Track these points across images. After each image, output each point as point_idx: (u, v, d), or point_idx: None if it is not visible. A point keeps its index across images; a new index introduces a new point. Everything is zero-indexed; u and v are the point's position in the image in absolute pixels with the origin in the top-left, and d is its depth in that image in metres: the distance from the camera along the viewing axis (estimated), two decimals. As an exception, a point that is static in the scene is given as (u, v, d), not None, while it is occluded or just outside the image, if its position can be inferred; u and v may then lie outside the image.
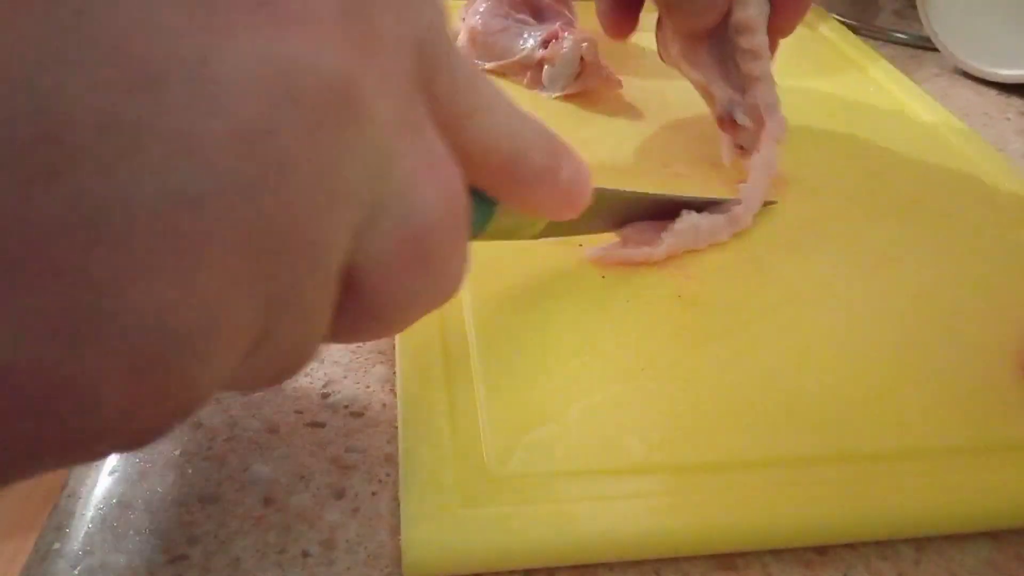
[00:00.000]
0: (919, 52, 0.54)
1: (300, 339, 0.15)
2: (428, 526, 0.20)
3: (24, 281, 0.10)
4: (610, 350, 0.26)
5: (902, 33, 0.55)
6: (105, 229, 0.11)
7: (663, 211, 0.31)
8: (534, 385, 0.24)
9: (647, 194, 0.31)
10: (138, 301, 0.11)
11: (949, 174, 0.36)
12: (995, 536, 0.22)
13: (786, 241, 0.32)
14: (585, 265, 0.29)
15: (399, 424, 0.23)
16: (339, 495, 0.22)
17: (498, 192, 0.20)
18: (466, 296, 0.27)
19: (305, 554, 0.21)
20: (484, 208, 0.21)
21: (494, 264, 0.28)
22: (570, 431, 0.23)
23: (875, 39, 0.56)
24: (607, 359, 0.26)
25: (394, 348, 0.27)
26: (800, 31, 0.36)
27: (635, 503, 0.21)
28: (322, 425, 0.24)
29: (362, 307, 0.16)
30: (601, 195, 0.26)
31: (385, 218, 0.15)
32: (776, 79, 0.33)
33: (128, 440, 0.13)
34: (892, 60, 0.52)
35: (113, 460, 0.23)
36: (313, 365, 0.26)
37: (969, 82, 0.50)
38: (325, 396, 0.25)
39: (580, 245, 0.30)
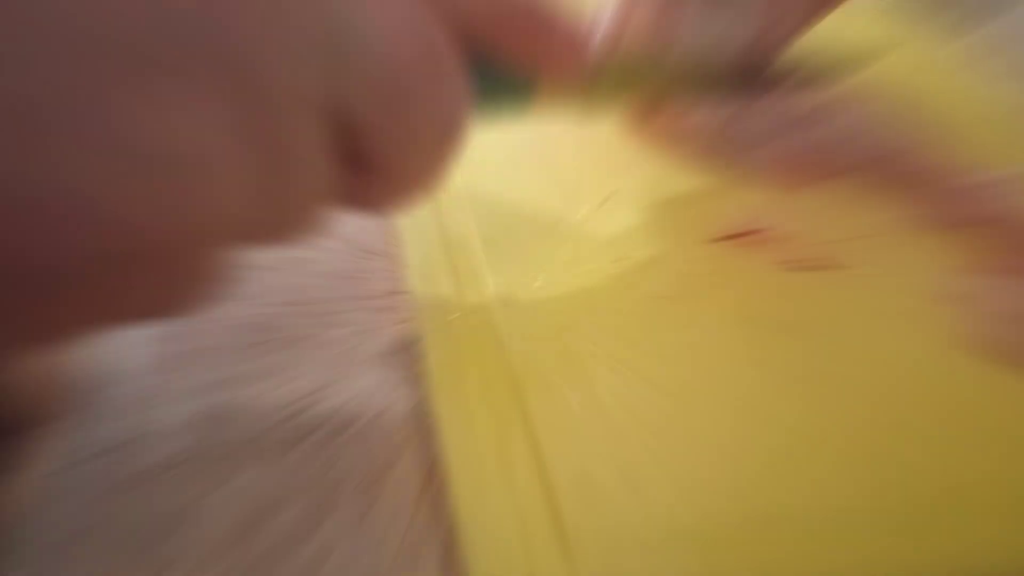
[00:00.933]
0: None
1: (302, 188, 0.16)
2: None
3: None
4: (673, 386, 0.23)
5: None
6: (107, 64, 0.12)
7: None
8: (594, 434, 0.22)
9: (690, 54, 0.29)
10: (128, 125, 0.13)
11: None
12: None
13: (857, 251, 0.29)
14: (636, 284, 0.26)
15: (451, 492, 0.21)
16: (325, 516, 0.20)
17: (491, 40, 0.20)
18: (504, 328, 0.24)
19: (298, 573, 0.19)
20: (521, 86, 0.22)
21: (531, 287, 0.26)
22: (645, 487, 0.21)
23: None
24: (670, 395, 0.23)
25: (388, 355, 0.25)
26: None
27: (735, 560, 0.19)
28: (305, 439, 0.22)
29: (367, 160, 0.17)
30: (628, 59, 0.27)
31: (353, 58, 0.15)
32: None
33: (163, 282, 0.15)
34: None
35: (78, 475, 0.21)
36: (295, 372, 0.24)
37: None
38: (311, 404, 0.23)
39: (619, 260, 0.27)
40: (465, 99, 0.18)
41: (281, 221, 0.17)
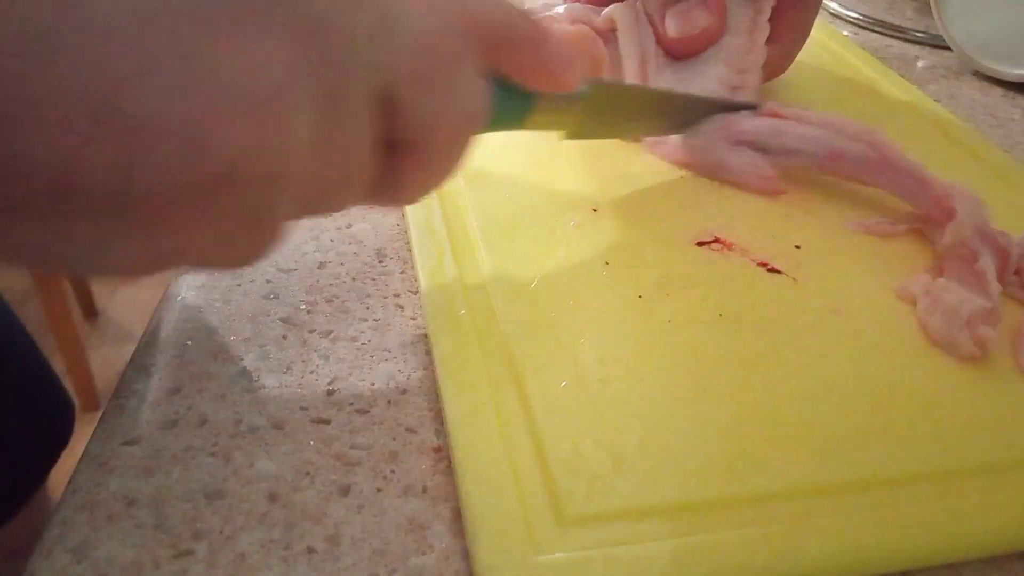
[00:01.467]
0: (927, 51, 0.54)
1: (350, 146, 0.19)
2: None
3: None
4: (657, 375, 0.25)
5: (920, 32, 0.55)
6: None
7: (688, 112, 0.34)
8: (584, 417, 0.23)
9: (667, 91, 0.35)
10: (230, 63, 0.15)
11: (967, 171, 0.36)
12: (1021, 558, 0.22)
13: (825, 252, 0.31)
14: (621, 284, 0.28)
15: (456, 469, 0.22)
16: (344, 492, 0.22)
17: (501, 58, 0.24)
18: (504, 323, 0.26)
19: (310, 550, 0.21)
20: (524, 100, 0.26)
21: (526, 290, 0.28)
22: (630, 465, 0.22)
23: (892, 37, 0.55)
24: (657, 384, 0.25)
25: (400, 348, 0.27)
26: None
27: (717, 538, 0.21)
28: (327, 422, 0.24)
29: (401, 138, 0.20)
30: (613, 88, 0.33)
31: (398, 39, 0.19)
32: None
33: (247, 202, 0.17)
34: (901, 59, 0.52)
35: (117, 456, 0.23)
36: (319, 362, 0.26)
37: (976, 82, 0.50)
38: (330, 393, 0.25)
39: (607, 263, 0.29)
40: (483, 92, 0.22)
41: (331, 178, 0.19)
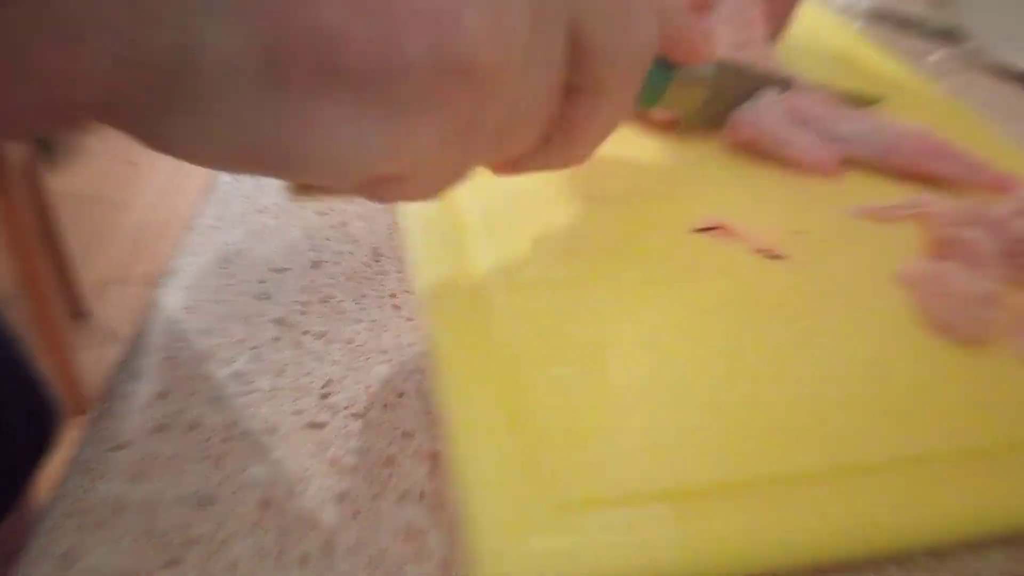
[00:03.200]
0: (939, 44, 0.54)
1: (542, 78, 0.20)
2: (501, 563, 0.19)
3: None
4: (654, 362, 0.25)
5: (931, 25, 0.55)
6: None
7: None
8: (583, 402, 0.23)
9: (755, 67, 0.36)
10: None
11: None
12: (1011, 543, 0.22)
13: (825, 238, 0.31)
14: (620, 273, 0.28)
15: (453, 453, 0.22)
16: (339, 498, 0.22)
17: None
18: (502, 317, 0.26)
19: (304, 558, 0.20)
20: (663, 73, 0.28)
21: (527, 280, 0.27)
22: (626, 450, 0.22)
23: (903, 29, 0.55)
24: (655, 372, 0.24)
25: (397, 349, 0.27)
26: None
27: (709, 523, 0.20)
28: (322, 426, 0.24)
29: (579, 81, 0.22)
30: (733, 68, 0.34)
31: None
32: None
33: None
34: (912, 52, 0.52)
35: (105, 461, 0.22)
36: (313, 365, 0.26)
37: (988, 76, 0.50)
38: (325, 396, 0.25)
39: (606, 252, 0.29)
40: (654, 43, 0.23)
41: (523, 107, 0.21)
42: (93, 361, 1.36)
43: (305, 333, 0.27)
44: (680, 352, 0.25)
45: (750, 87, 0.35)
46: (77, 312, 1.49)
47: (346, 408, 0.24)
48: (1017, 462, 0.23)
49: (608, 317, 0.26)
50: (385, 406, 0.25)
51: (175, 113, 0.16)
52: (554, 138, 0.23)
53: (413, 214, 0.30)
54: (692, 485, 0.21)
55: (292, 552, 0.20)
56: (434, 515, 0.22)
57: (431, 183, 0.21)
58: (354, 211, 0.33)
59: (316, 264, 0.30)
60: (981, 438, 0.23)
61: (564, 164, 0.24)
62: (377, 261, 0.31)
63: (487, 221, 0.30)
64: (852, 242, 0.31)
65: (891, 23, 0.56)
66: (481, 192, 0.31)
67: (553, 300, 0.27)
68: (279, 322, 0.27)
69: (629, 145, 0.36)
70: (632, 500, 0.21)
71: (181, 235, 0.31)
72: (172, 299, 0.28)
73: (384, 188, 0.20)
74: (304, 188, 0.34)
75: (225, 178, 0.34)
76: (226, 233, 0.31)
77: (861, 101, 0.38)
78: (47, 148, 1.54)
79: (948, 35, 0.54)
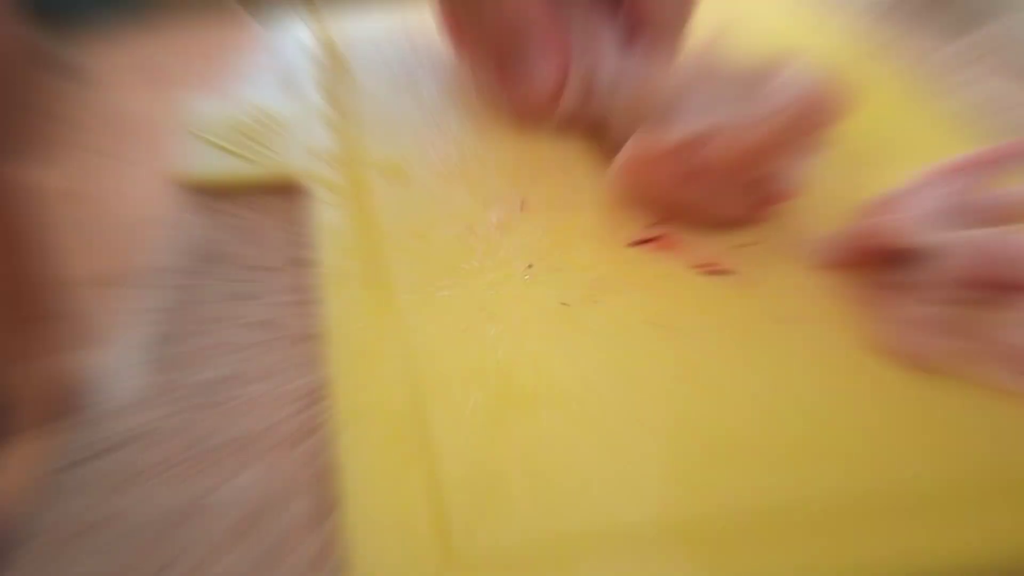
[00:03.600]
0: (937, 42, 0.53)
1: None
2: None
3: None
4: (580, 391, 0.23)
5: (929, 23, 0.54)
6: None
7: None
8: (495, 439, 0.22)
9: None
10: None
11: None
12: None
13: (772, 253, 0.29)
14: (543, 292, 0.26)
15: (341, 497, 0.20)
16: (328, 511, 0.21)
17: None
18: (410, 335, 0.24)
19: (292, 571, 0.19)
20: None
21: (436, 295, 0.26)
22: (543, 493, 0.20)
23: (900, 28, 0.55)
24: (577, 403, 0.23)
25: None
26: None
27: (637, 571, 0.19)
28: (309, 435, 0.23)
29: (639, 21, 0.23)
30: None
31: None
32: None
33: None
34: (910, 50, 0.52)
35: (86, 471, 0.21)
36: (298, 371, 0.25)
37: (987, 74, 0.50)
38: (312, 404, 0.24)
39: (530, 265, 0.27)
40: None
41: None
42: (71, 364, 1.34)
43: (293, 335, 0.26)
44: (606, 380, 0.23)
45: None
46: (55, 312, 1.47)
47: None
48: (968, 494, 0.21)
49: (526, 341, 0.25)
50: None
51: None
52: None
53: (322, 218, 0.29)
54: (622, 526, 0.20)
55: (279, 568, 0.20)
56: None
57: None
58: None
59: (299, 262, 0.29)
60: (932, 467, 0.22)
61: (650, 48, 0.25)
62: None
63: (401, 230, 0.28)
64: (801, 258, 0.29)
65: (888, 22, 0.56)
66: (398, 197, 0.30)
67: (466, 322, 0.25)
68: (266, 324, 0.26)
69: (567, 143, 0.33)
70: (550, 543, 0.19)
71: (157, 232, 0.30)
72: (152, 299, 0.27)
73: None
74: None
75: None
76: (203, 230, 0.30)
77: None
78: (65, 69, 1.48)
79: (945, 33, 0.53)
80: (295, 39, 0.42)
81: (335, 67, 0.39)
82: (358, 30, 0.43)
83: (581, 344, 0.25)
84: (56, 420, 0.23)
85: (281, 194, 0.32)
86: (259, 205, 0.32)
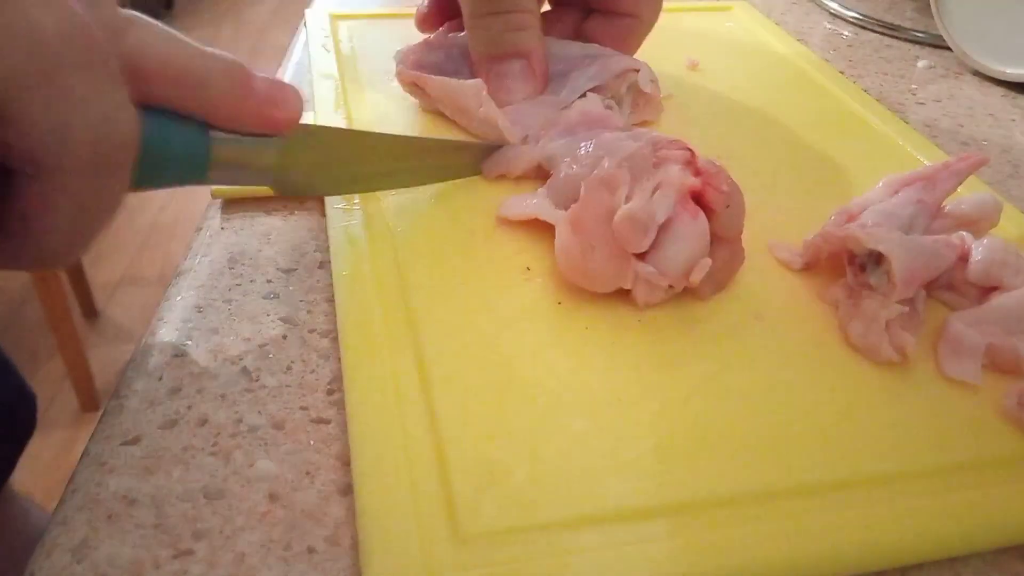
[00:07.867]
0: (928, 51, 0.54)
1: None
2: None
3: None
4: (574, 383, 0.25)
5: (920, 31, 0.55)
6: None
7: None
8: (497, 428, 0.23)
9: (403, 137, 0.33)
10: None
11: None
12: (984, 557, 0.22)
13: (748, 253, 0.30)
14: (541, 292, 0.28)
15: (353, 482, 0.22)
16: (344, 491, 0.22)
17: (187, 103, 0.23)
18: (417, 333, 0.26)
19: (310, 550, 0.21)
20: (199, 139, 0.24)
21: (443, 294, 0.27)
22: (542, 477, 0.22)
23: (892, 37, 0.55)
24: (572, 393, 0.24)
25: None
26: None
27: (626, 551, 0.20)
28: (327, 422, 0.24)
29: (20, 156, 0.19)
30: (323, 133, 0.31)
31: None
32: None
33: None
34: (901, 59, 0.52)
35: (117, 456, 0.23)
36: (318, 362, 0.26)
37: (976, 83, 0.50)
38: (330, 392, 0.25)
39: (528, 268, 0.29)
40: (127, 111, 0.20)
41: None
42: (105, 359, 1.37)
43: (311, 331, 0.27)
44: (598, 372, 0.25)
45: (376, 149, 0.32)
46: (89, 311, 1.51)
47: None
48: (938, 486, 0.22)
49: (524, 335, 0.26)
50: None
51: None
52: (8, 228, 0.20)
53: (336, 223, 0.31)
54: (608, 511, 0.21)
55: (298, 545, 0.21)
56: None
57: None
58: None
59: (322, 264, 0.31)
60: (903, 460, 0.23)
61: (27, 263, 0.21)
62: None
63: (410, 233, 0.30)
64: (774, 259, 0.31)
65: (880, 31, 0.56)
66: (406, 203, 0.32)
67: (470, 317, 0.27)
68: (286, 320, 0.28)
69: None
70: (544, 528, 0.20)
71: (191, 236, 0.32)
72: (182, 298, 0.29)
73: None
74: None
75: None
76: (234, 234, 0.32)
77: None
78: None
79: (936, 43, 0.54)
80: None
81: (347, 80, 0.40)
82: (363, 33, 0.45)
83: (574, 339, 0.26)
84: (97, 408, 0.24)
85: (302, 204, 0.34)
86: (283, 214, 0.33)
